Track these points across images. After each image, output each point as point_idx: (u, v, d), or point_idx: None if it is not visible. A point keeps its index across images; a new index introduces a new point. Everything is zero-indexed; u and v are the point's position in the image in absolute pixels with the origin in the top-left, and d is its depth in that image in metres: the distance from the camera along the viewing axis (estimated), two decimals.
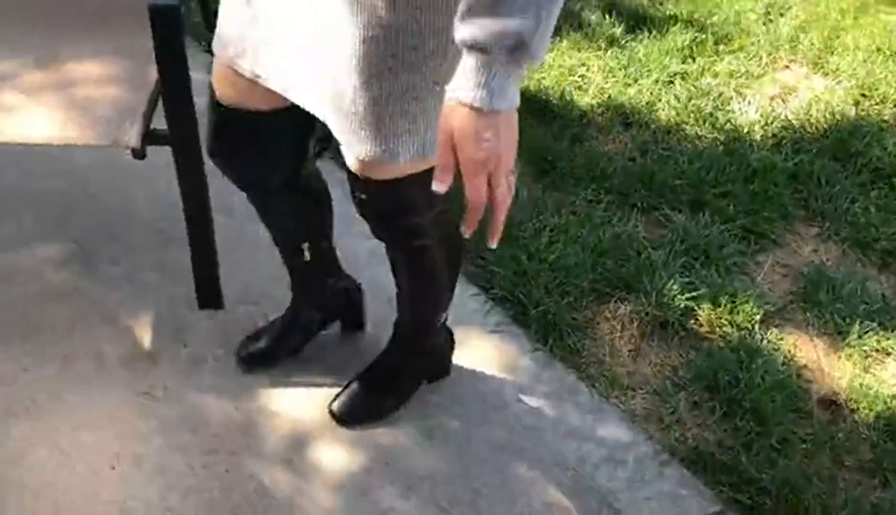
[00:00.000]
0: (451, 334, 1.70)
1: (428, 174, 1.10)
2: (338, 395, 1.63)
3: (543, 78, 2.41)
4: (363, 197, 1.29)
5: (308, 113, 1.22)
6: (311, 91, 1.18)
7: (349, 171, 1.26)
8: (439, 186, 0.98)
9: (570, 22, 2.61)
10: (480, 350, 1.77)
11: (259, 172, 1.40)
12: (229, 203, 1.94)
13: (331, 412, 1.62)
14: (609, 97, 2.37)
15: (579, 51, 2.53)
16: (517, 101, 0.92)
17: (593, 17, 2.66)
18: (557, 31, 2.57)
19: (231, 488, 1.50)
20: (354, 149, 1.18)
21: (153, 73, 1.56)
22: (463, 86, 0.90)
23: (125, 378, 1.65)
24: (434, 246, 1.42)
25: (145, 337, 1.73)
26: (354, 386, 1.64)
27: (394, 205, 1.30)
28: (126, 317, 1.76)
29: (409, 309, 1.58)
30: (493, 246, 1.03)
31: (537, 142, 2.19)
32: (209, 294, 1.78)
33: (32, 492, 1.47)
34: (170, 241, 1.91)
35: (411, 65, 1.07)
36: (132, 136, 1.46)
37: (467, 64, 0.90)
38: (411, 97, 1.10)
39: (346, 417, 1.62)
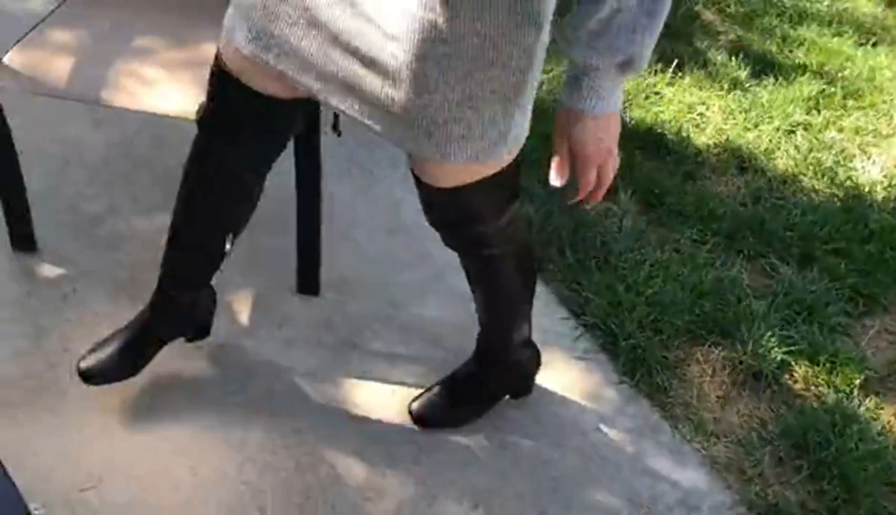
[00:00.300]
0: (537, 353, 1.69)
1: (489, 182, 1.22)
2: (419, 396, 1.65)
3: (662, 111, 2.38)
4: (427, 204, 1.32)
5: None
6: (352, 94, 1.16)
7: (416, 179, 1.28)
8: (557, 180, 1.17)
9: (696, 60, 2.58)
10: (566, 374, 1.76)
11: (252, 156, 1.38)
12: (330, 192, 1.98)
13: (410, 412, 1.64)
14: (727, 139, 2.33)
15: (701, 89, 2.50)
16: (621, 104, 1.08)
17: (719, 57, 2.61)
18: (681, 67, 2.54)
19: (306, 470, 1.53)
20: (408, 145, 1.18)
21: None
22: (577, 97, 1.08)
23: (221, 351, 1.71)
24: (505, 257, 1.41)
25: (244, 315, 1.79)
26: (436, 390, 1.66)
27: (456, 212, 1.31)
28: (227, 293, 1.82)
29: (484, 320, 1.58)
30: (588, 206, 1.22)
31: (648, 174, 2.17)
32: (308, 280, 1.83)
33: (120, 438, 1.54)
34: (276, 225, 1.97)
35: (469, 75, 1.08)
36: None
37: (582, 79, 1.07)
38: (467, 106, 1.11)
39: (425, 420, 1.63)
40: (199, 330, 1.65)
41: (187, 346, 1.70)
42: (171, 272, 1.55)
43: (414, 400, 1.65)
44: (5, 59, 1.55)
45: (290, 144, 1.61)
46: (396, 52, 1.08)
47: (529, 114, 1.23)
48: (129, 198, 1.99)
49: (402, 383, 1.70)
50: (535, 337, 1.81)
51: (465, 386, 1.67)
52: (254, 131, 1.33)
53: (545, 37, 1.10)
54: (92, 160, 2.06)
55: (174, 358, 1.68)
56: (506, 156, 1.23)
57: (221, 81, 1.28)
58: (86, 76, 1.57)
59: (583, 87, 1.06)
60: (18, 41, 1.59)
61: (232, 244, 1.51)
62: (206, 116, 1.34)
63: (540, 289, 1.90)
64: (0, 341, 1.67)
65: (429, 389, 1.66)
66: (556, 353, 1.80)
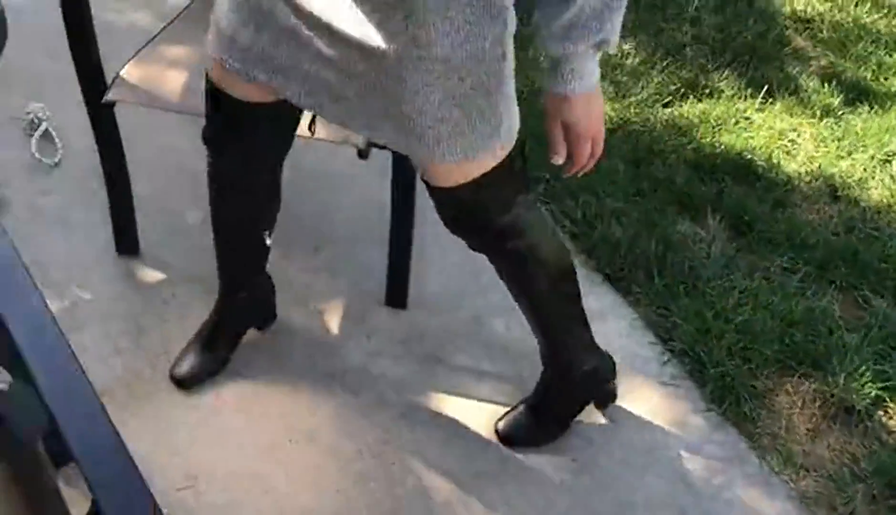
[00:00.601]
0: (610, 358, 1.66)
1: (489, 178, 1.26)
2: (504, 415, 1.66)
3: (751, 137, 2.35)
4: (437, 204, 1.35)
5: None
6: (358, 113, 1.22)
7: (424, 182, 1.32)
8: (557, 159, 1.26)
9: (786, 86, 2.54)
10: (652, 400, 1.75)
11: (257, 160, 1.44)
12: (421, 217, 2.02)
13: (496, 431, 1.65)
14: (819, 167, 2.29)
15: (792, 116, 2.46)
16: (598, 76, 1.17)
17: (811, 84, 2.57)
18: (771, 93, 2.51)
19: (396, 482, 1.56)
20: (402, 149, 1.25)
21: None
22: (560, 82, 1.16)
23: (311, 358, 1.76)
24: (530, 250, 1.41)
25: (333, 324, 1.83)
26: (521, 409, 1.67)
27: (461, 210, 1.34)
28: (319, 302, 1.87)
29: (534, 326, 1.56)
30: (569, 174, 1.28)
31: (737, 200, 2.15)
32: (397, 293, 1.86)
33: (215, 440, 1.59)
34: (367, 239, 2.01)
35: (445, 74, 1.12)
36: (360, 138, 1.56)
37: (562, 66, 1.15)
38: (451, 105, 1.15)
39: (511, 439, 1.65)
40: (264, 319, 1.76)
41: (282, 353, 1.75)
42: (224, 273, 1.66)
43: (500, 419, 1.66)
44: (122, 73, 1.62)
45: (385, 159, 1.65)
46: (374, 64, 1.12)
47: (516, 105, 1.27)
48: None
49: (488, 400, 1.72)
50: (622, 361, 1.81)
51: (547, 403, 1.67)
52: (251, 137, 1.38)
53: (511, 26, 1.16)
54: (193, 169, 2.13)
55: (268, 364, 1.73)
56: (499, 151, 1.26)
57: (213, 97, 1.34)
58: (197, 91, 1.63)
59: (564, 73, 1.14)
60: (133, 56, 1.67)
61: (270, 238, 1.59)
62: (207, 132, 1.41)
63: (627, 313, 1.91)
64: (104, 339, 1.74)
65: (514, 408, 1.67)
66: (643, 378, 1.79)
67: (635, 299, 1.93)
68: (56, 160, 2.13)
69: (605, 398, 1.70)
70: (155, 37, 1.70)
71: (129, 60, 1.64)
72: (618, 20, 1.13)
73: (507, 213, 1.36)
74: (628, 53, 2.63)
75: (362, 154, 1.58)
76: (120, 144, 1.75)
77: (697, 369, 1.80)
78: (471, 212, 1.34)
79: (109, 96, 1.58)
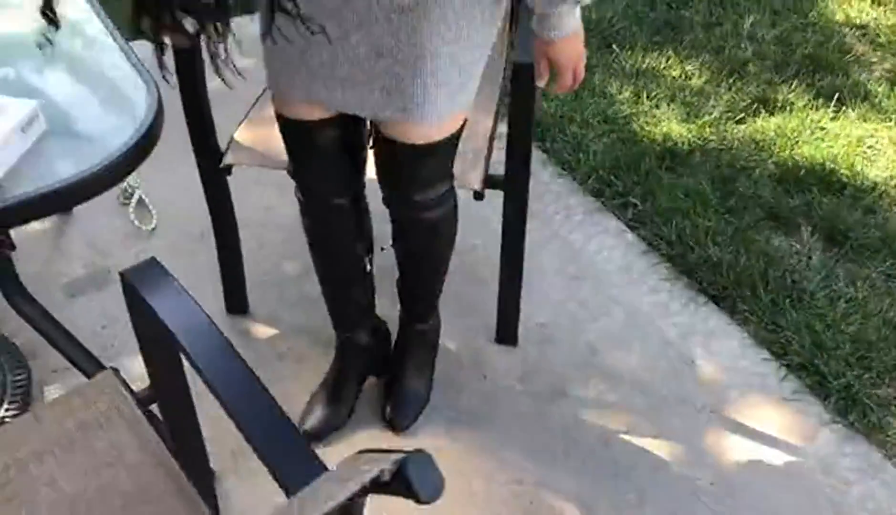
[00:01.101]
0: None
1: (444, 144, 1.42)
2: (385, 404, 1.74)
3: (830, 146, 2.36)
4: (392, 165, 1.45)
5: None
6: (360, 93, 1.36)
7: (382, 145, 1.44)
8: (542, 81, 1.44)
9: (856, 92, 2.55)
10: (777, 417, 1.74)
11: (336, 182, 1.52)
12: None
13: (386, 419, 1.72)
14: None
15: (866, 121, 2.47)
16: (579, 20, 1.36)
17: (880, 89, 2.58)
18: (842, 101, 2.52)
19: None
20: (386, 111, 1.35)
21: (489, 122, 1.69)
22: (547, 29, 1.34)
23: (432, 403, 1.76)
24: (442, 221, 1.54)
25: (449, 366, 1.84)
26: (394, 389, 1.74)
27: (416, 169, 1.44)
28: None
29: (418, 289, 1.71)
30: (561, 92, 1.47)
31: (828, 211, 2.15)
32: (508, 329, 1.88)
33: None
34: (467, 278, 2.03)
35: (455, 40, 1.31)
36: (475, 179, 1.59)
37: (548, 18, 1.32)
38: (452, 68, 1.33)
39: (402, 421, 1.71)
40: (384, 364, 1.78)
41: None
42: (337, 315, 1.71)
43: (385, 407, 1.73)
44: (236, 136, 1.66)
45: (494, 197, 1.67)
46: (393, 24, 1.27)
47: (477, 81, 1.43)
48: None
49: (613, 430, 1.72)
50: (740, 380, 1.81)
51: (412, 367, 1.75)
52: (323, 157, 1.48)
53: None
54: (286, 222, 2.16)
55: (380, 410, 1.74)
56: (459, 116, 1.42)
57: (283, 130, 1.47)
58: None
59: (550, 22, 1.34)
60: (244, 118, 1.70)
61: (371, 264, 1.66)
62: (290, 166, 1.52)
63: (736, 332, 1.91)
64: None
65: (388, 394, 1.74)
66: (764, 395, 1.78)
67: (743, 317, 1.93)
68: (153, 226, 2.17)
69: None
70: (260, 96, 1.74)
71: (240, 123, 1.68)
72: None
73: (444, 185, 1.49)
74: (692, 74, 2.66)
75: (478, 195, 1.60)
76: (231, 206, 1.79)
77: (817, 382, 1.79)
78: (422, 173, 1.46)
79: (227, 160, 1.62)
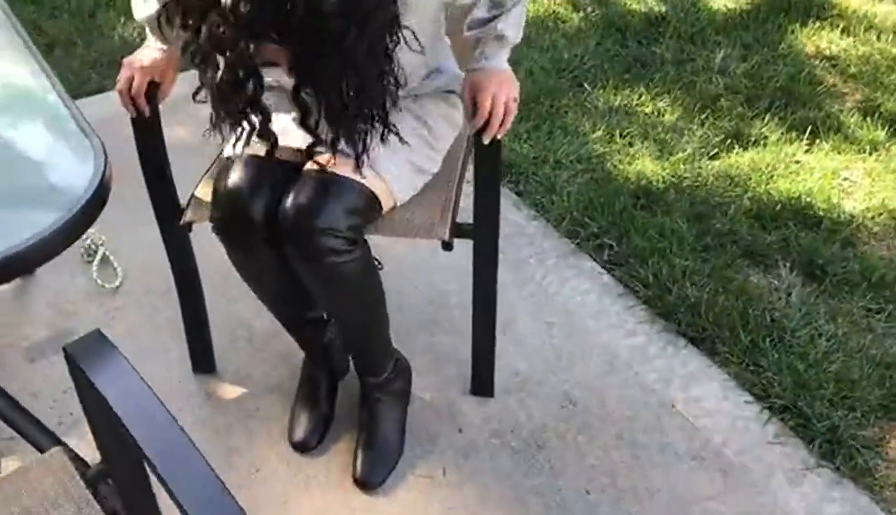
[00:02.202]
0: (406, 362, 1.79)
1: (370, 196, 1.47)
2: (354, 462, 1.69)
3: (805, 180, 2.34)
4: (308, 192, 1.42)
5: None
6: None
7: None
8: (476, 122, 1.46)
9: (829, 124, 2.54)
10: (762, 460, 1.69)
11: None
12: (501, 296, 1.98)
13: (355, 481, 1.66)
14: (880, 202, 2.27)
15: (841, 153, 2.45)
16: (505, 64, 1.52)
17: (852, 119, 2.57)
18: (815, 133, 2.51)
19: None
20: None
21: (456, 171, 1.65)
22: (475, 59, 1.51)
23: (405, 458, 1.70)
24: (348, 270, 1.47)
25: (423, 420, 1.79)
26: (362, 447, 1.69)
27: (335, 200, 1.42)
28: None
29: (350, 335, 1.66)
30: (486, 140, 1.47)
31: (806, 246, 2.12)
32: (483, 381, 1.82)
33: None
34: (440, 328, 1.98)
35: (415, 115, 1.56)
36: (444, 230, 1.55)
37: (476, 49, 1.51)
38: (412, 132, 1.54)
39: (372, 481, 1.66)
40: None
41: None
42: (293, 331, 1.73)
43: (354, 466, 1.67)
44: (197, 193, 1.62)
45: (465, 247, 1.63)
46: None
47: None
48: None
49: (594, 483, 1.66)
50: (723, 424, 1.76)
51: (378, 422, 1.70)
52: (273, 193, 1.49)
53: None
54: None
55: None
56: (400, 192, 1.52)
57: (252, 164, 1.52)
58: None
59: (477, 54, 1.50)
60: (205, 174, 1.66)
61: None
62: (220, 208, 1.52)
63: (717, 374, 1.87)
64: None
65: (357, 453, 1.68)
66: (748, 439, 1.73)
67: (723, 359, 1.89)
68: (117, 283, 2.11)
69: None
70: (221, 151, 1.70)
71: (201, 179, 1.63)
72: (513, 20, 1.50)
73: (351, 231, 1.43)
74: (664, 110, 2.64)
75: (447, 246, 1.56)
76: (194, 264, 1.74)
77: (801, 424, 1.75)
78: (334, 209, 1.41)
79: (188, 217, 1.57)
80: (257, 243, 1.47)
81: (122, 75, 1.49)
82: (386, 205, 1.52)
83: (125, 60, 1.52)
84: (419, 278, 2.12)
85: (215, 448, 1.73)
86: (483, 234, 1.60)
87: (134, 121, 1.54)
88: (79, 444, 1.73)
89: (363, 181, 1.46)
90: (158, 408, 0.95)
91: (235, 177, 1.46)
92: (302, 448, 1.71)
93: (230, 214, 1.47)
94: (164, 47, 1.51)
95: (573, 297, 2.07)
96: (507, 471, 1.69)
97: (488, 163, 1.51)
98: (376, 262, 1.67)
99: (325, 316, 1.73)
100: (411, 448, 1.72)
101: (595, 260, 2.15)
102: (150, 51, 1.52)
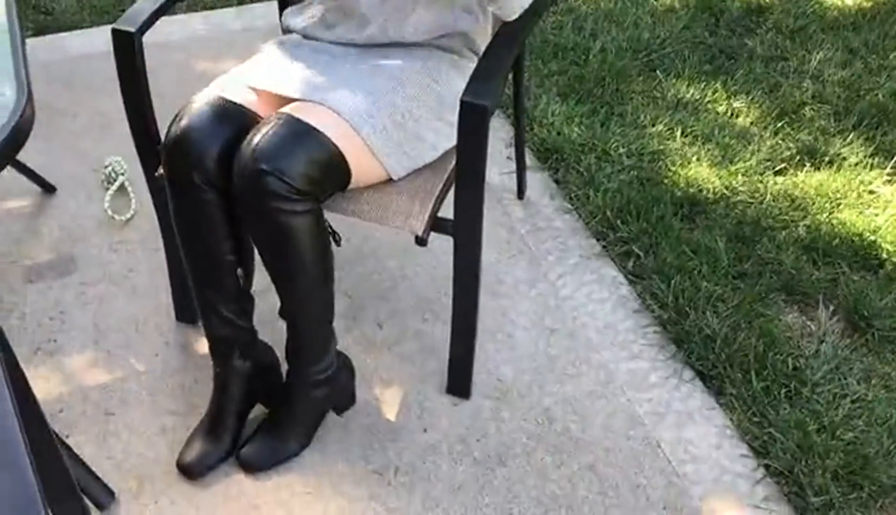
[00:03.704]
0: (348, 361, 1.69)
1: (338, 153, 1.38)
2: (246, 442, 1.59)
3: (876, 215, 2.09)
4: (271, 136, 1.33)
5: None
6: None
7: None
8: None
9: None
10: None
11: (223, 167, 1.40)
12: (496, 290, 1.87)
13: (238, 459, 1.58)
14: None
15: None
16: None
17: None
18: None
19: None
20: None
21: (448, 167, 1.53)
22: None
23: (362, 449, 1.63)
24: (302, 228, 1.38)
25: (390, 412, 1.70)
26: (263, 428, 1.60)
27: (299, 151, 1.33)
28: (378, 385, 1.75)
29: (296, 313, 1.53)
30: None
31: (856, 290, 1.89)
32: (459, 381, 1.72)
33: None
34: (435, 314, 1.88)
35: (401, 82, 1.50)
36: (419, 223, 1.43)
37: None
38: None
39: (254, 464, 1.57)
40: (268, 391, 1.65)
41: (332, 440, 1.64)
42: (211, 338, 1.58)
43: (241, 448, 1.58)
44: None
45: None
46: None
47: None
48: None
49: (552, 513, 1.54)
50: (708, 476, 1.60)
51: (291, 414, 1.60)
52: (229, 142, 1.44)
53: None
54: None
55: (318, 454, 1.61)
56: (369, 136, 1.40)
57: (217, 103, 1.48)
58: None
59: None
60: None
61: (246, 280, 1.55)
62: (173, 141, 1.45)
63: (717, 417, 1.70)
64: (152, 416, 1.67)
65: (255, 431, 1.60)
66: (732, 497, 1.57)
67: (728, 402, 1.71)
68: (129, 216, 2.10)
69: (348, 403, 1.69)
70: None
71: None
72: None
73: (303, 181, 1.34)
74: (738, 112, 2.41)
75: (420, 241, 1.45)
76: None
77: (795, 493, 1.57)
78: (291, 152, 1.33)
79: (163, 170, 1.51)
80: (202, 187, 1.40)
81: None
82: (372, 176, 1.44)
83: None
84: (424, 257, 2.01)
85: (176, 404, 1.70)
86: (463, 232, 1.48)
87: (119, 69, 1.48)
88: (51, 374, 1.75)
89: (335, 139, 1.37)
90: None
91: (193, 114, 1.40)
92: (187, 473, 1.56)
93: (177, 152, 1.40)
94: None
95: (584, 305, 1.92)
96: (461, 483, 1.59)
97: (471, 155, 1.38)
98: (334, 236, 1.57)
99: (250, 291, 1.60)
100: (370, 439, 1.65)
101: (619, 268, 1.99)
102: None
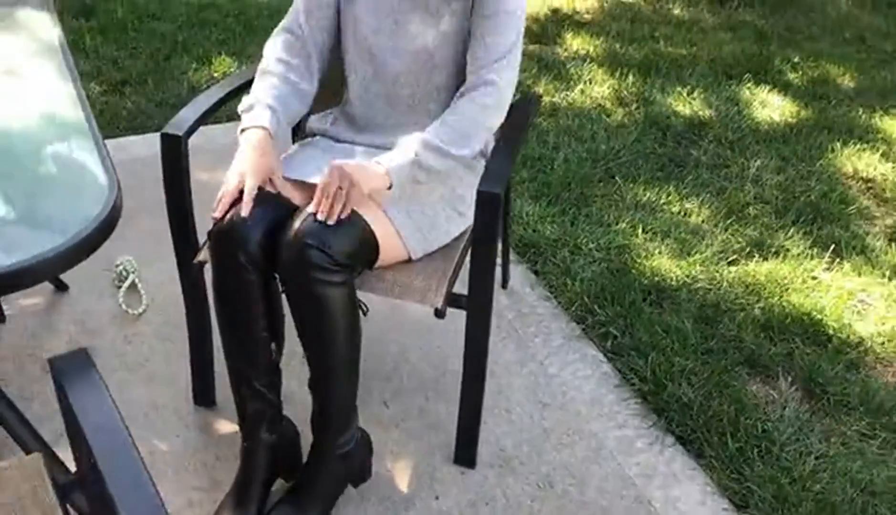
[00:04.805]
0: (366, 436, 1.78)
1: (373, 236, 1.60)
2: (272, 508, 1.68)
3: (821, 297, 2.35)
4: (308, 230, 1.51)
5: None
6: None
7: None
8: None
9: (853, 245, 2.56)
10: None
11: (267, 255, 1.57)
12: (491, 370, 2.03)
13: None
14: (892, 328, 2.26)
15: (860, 275, 2.46)
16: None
17: (878, 244, 2.58)
18: (838, 253, 2.52)
19: None
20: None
21: (458, 250, 1.73)
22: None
23: (384, 512, 1.75)
24: (336, 298, 1.54)
25: (402, 483, 1.83)
26: (285, 498, 1.69)
27: (339, 235, 1.52)
28: (389, 459, 1.88)
29: (325, 382, 1.64)
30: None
31: (809, 362, 2.13)
32: (466, 451, 1.86)
33: None
34: (436, 393, 2.04)
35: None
36: (438, 298, 1.62)
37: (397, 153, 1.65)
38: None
39: None
40: (291, 466, 1.76)
41: (349, 511, 1.75)
42: (241, 408, 1.70)
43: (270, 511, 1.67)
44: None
45: (456, 317, 1.70)
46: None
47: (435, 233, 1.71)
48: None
49: None
50: None
51: (312, 483, 1.69)
52: (272, 234, 1.61)
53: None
54: None
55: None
56: (405, 242, 1.65)
57: (262, 200, 1.65)
58: None
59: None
60: None
61: (278, 354, 1.68)
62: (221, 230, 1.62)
63: (700, 476, 1.87)
64: (178, 492, 1.77)
65: (280, 499, 1.69)
66: None
67: (708, 463, 1.90)
68: (141, 310, 2.23)
69: (365, 476, 1.78)
70: None
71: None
72: (435, 163, 1.63)
73: (343, 256, 1.53)
74: (691, 211, 2.69)
75: (439, 314, 1.63)
76: (205, 301, 1.84)
77: None
78: (333, 232, 1.52)
79: (201, 256, 1.68)
80: (246, 267, 1.56)
81: (233, 185, 1.57)
82: (395, 255, 1.64)
83: (237, 173, 1.58)
84: (424, 340, 2.18)
85: (200, 480, 1.80)
86: (475, 308, 1.67)
87: (164, 168, 1.66)
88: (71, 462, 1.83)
89: (368, 219, 1.58)
90: (119, 429, 1.02)
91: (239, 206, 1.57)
92: None
93: (226, 236, 1.56)
94: (268, 127, 1.63)
95: (571, 381, 2.10)
96: None
97: (485, 239, 1.59)
98: (362, 307, 1.72)
99: (278, 365, 1.72)
100: (386, 508, 1.77)
101: (599, 347, 2.19)
102: (254, 154, 1.60)
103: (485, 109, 1.66)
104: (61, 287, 2.28)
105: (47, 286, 2.28)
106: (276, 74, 1.73)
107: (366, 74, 1.79)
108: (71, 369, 1.09)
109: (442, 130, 1.64)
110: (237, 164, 1.59)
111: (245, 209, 1.54)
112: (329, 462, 1.71)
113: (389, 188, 1.59)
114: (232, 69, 3.38)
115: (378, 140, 1.80)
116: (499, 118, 1.69)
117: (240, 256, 1.56)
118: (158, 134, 1.68)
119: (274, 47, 1.77)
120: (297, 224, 1.53)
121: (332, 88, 1.87)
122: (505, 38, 1.65)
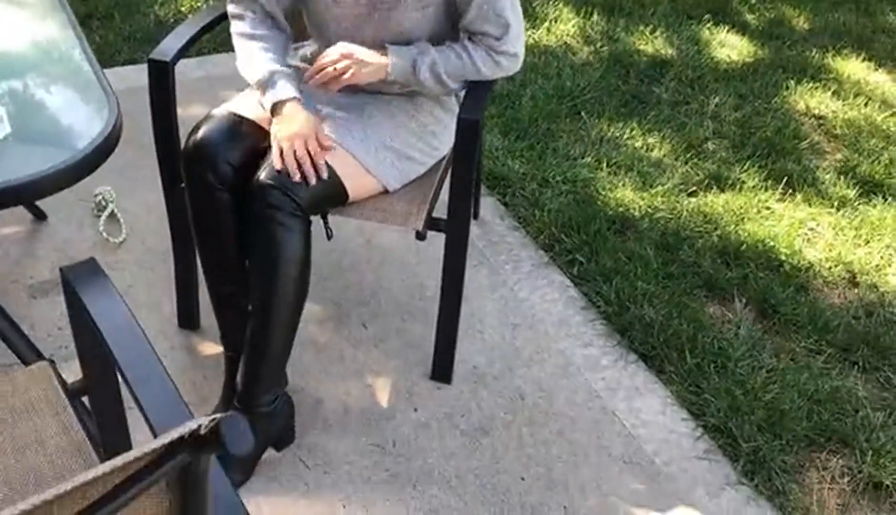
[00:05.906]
0: (291, 401, 1.78)
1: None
2: None
3: (774, 226, 2.49)
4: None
5: None
6: None
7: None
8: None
9: (805, 178, 2.69)
10: (687, 472, 1.83)
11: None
12: (465, 295, 2.13)
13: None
14: (838, 254, 2.41)
15: (811, 206, 2.60)
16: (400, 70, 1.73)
17: (827, 177, 2.72)
18: (790, 185, 2.65)
19: None
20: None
21: (436, 178, 1.81)
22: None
23: (363, 429, 1.85)
24: (291, 243, 1.60)
25: (382, 398, 1.93)
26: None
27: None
28: (369, 376, 1.98)
29: (261, 336, 1.66)
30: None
31: (762, 286, 2.27)
32: (442, 367, 1.97)
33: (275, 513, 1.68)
34: (412, 316, 2.13)
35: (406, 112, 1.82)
36: (419, 221, 1.70)
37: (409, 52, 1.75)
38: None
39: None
40: (281, 436, 1.77)
41: (334, 423, 1.85)
42: (223, 325, 1.79)
43: None
44: None
45: (436, 240, 1.79)
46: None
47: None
48: None
49: (530, 471, 1.80)
50: (658, 436, 1.90)
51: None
52: (246, 153, 1.72)
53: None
54: None
55: (323, 435, 1.82)
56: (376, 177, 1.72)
57: (230, 119, 1.76)
58: None
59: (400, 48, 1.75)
60: None
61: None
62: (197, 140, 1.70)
63: (660, 389, 2.01)
64: None
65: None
66: (678, 452, 1.87)
67: (668, 377, 2.03)
68: (121, 239, 2.27)
69: (288, 439, 1.79)
70: None
71: None
72: (452, 71, 1.73)
73: (310, 207, 1.62)
74: (653, 146, 2.80)
75: (420, 236, 1.71)
76: (189, 226, 1.90)
77: (729, 443, 1.88)
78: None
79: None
80: (215, 186, 1.64)
81: (291, 148, 1.61)
82: (369, 190, 1.71)
83: (286, 136, 1.62)
84: (398, 269, 2.27)
85: (188, 397, 1.88)
86: (454, 230, 1.76)
87: (151, 94, 1.70)
88: (66, 377, 1.89)
89: (330, 161, 1.63)
90: (137, 332, 1.10)
91: (209, 125, 1.65)
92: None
93: (195, 156, 1.64)
94: (296, 95, 1.68)
95: (540, 305, 2.21)
96: (452, 451, 1.83)
97: (464, 164, 1.67)
98: (327, 231, 1.76)
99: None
100: (368, 419, 1.87)
101: (565, 273, 2.30)
102: (294, 113, 1.65)
103: (496, 73, 1.76)
104: (40, 216, 2.31)
105: (26, 215, 2.31)
106: (261, 36, 1.74)
107: (331, 42, 1.76)
108: (83, 276, 1.16)
109: (451, 65, 1.71)
110: (287, 128, 1.62)
111: (312, 172, 1.59)
112: (254, 418, 1.69)
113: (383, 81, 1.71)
114: (198, 4, 3.37)
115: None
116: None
117: (208, 176, 1.63)
118: (128, 67, 1.72)
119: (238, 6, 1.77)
120: (265, 170, 1.60)
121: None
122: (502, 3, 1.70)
